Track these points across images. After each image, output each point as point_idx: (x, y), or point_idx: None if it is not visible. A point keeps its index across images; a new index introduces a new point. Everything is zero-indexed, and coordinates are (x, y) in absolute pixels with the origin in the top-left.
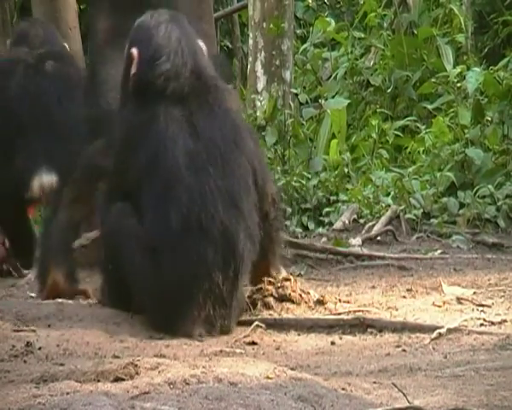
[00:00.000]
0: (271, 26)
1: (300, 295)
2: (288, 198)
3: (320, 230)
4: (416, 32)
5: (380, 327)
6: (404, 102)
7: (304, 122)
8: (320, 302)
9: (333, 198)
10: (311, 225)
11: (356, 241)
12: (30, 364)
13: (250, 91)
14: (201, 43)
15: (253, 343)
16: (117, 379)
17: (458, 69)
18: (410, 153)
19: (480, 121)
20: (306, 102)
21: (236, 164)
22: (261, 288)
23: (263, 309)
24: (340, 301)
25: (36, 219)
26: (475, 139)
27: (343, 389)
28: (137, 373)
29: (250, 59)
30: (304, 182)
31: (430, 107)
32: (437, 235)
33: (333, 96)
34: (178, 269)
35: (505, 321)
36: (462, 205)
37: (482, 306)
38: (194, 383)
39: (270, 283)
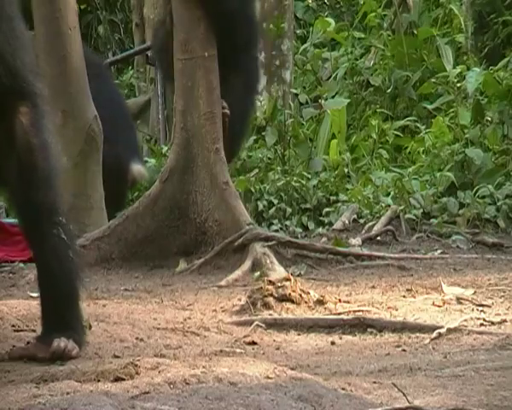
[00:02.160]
0: (271, 26)
1: (300, 295)
2: (287, 198)
3: (320, 230)
4: (416, 32)
5: (380, 327)
6: (404, 102)
7: (304, 122)
8: (320, 302)
9: (333, 198)
10: (311, 225)
11: (356, 241)
12: (30, 364)
13: None
14: None
15: (253, 343)
16: (117, 379)
17: (458, 69)
18: (409, 153)
19: (480, 121)
20: (306, 103)
21: None
22: (261, 288)
23: (263, 309)
24: (340, 301)
25: None
26: (475, 139)
27: (343, 389)
28: (137, 373)
29: None
30: (304, 182)
31: (430, 107)
32: (437, 235)
33: (333, 96)
34: None
35: (505, 321)
36: (462, 205)
37: (482, 306)
38: (194, 383)
39: (270, 283)
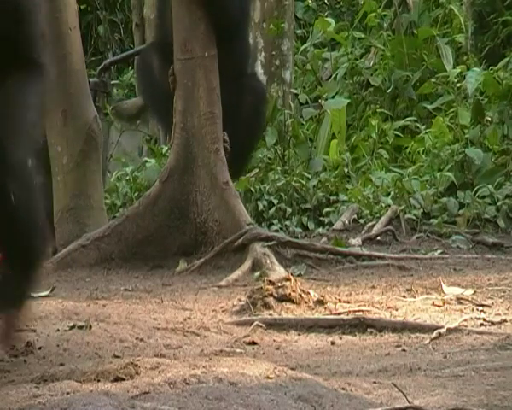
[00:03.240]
0: (271, 26)
1: (300, 295)
2: (287, 198)
3: (320, 230)
4: (416, 32)
5: (380, 327)
6: (404, 102)
7: (304, 122)
8: (320, 302)
9: (333, 198)
10: (311, 225)
11: (356, 241)
12: (30, 364)
13: None
14: None
15: (253, 343)
16: (117, 379)
17: (458, 69)
18: (409, 153)
19: (480, 121)
20: (306, 103)
21: None
22: (261, 288)
23: (263, 309)
24: (340, 301)
25: None
26: (475, 139)
27: (343, 389)
28: (137, 373)
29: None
30: (304, 182)
31: (430, 107)
32: (437, 235)
33: (333, 96)
34: None
35: (505, 321)
36: (461, 205)
37: (482, 306)
38: (194, 383)
39: (270, 283)
